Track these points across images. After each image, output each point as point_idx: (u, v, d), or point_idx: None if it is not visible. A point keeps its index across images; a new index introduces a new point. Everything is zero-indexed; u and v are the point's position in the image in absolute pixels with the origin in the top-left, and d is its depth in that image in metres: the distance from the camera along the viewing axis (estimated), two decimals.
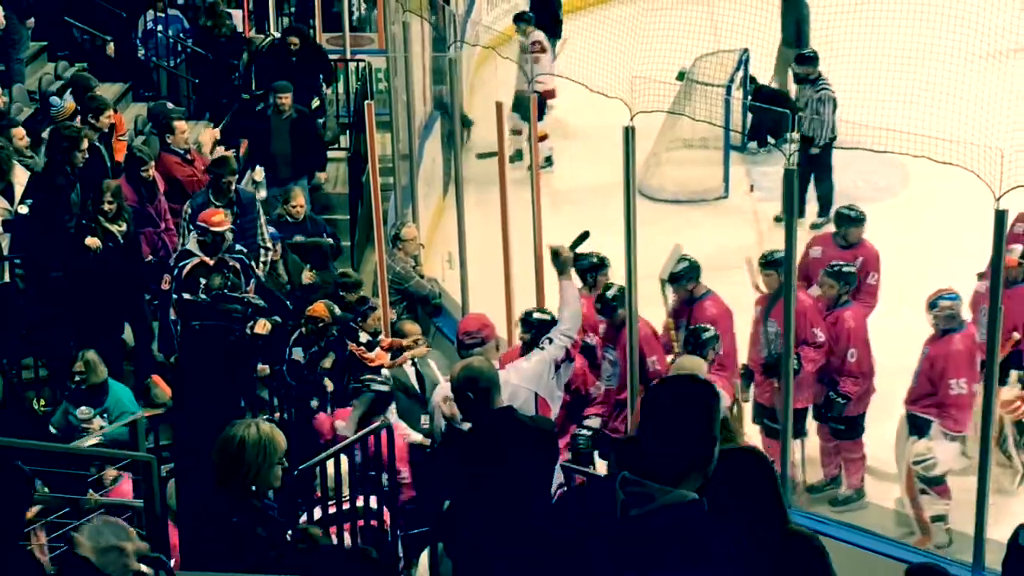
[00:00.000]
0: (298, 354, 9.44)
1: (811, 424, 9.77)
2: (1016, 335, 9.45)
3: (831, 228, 13.25)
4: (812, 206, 13.81)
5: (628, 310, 8.72)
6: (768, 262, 9.66)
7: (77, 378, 9.06)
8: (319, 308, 9.50)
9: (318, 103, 14.33)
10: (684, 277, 9.60)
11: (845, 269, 9.77)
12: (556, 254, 7.44)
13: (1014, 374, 9.43)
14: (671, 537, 3.40)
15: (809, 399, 9.59)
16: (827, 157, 13.85)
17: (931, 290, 9.54)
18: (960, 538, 8.30)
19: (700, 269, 9.66)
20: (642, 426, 3.55)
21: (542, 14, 16.88)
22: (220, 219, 9.91)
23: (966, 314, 9.42)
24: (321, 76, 14.71)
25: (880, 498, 9.67)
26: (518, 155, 14.36)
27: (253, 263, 10.24)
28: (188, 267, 9.78)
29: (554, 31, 16.92)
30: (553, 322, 8.48)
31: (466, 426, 6.13)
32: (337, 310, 9.61)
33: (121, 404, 9.03)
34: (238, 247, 10.15)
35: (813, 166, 13.76)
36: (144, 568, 3.82)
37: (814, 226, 13.56)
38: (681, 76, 15.94)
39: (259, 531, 5.20)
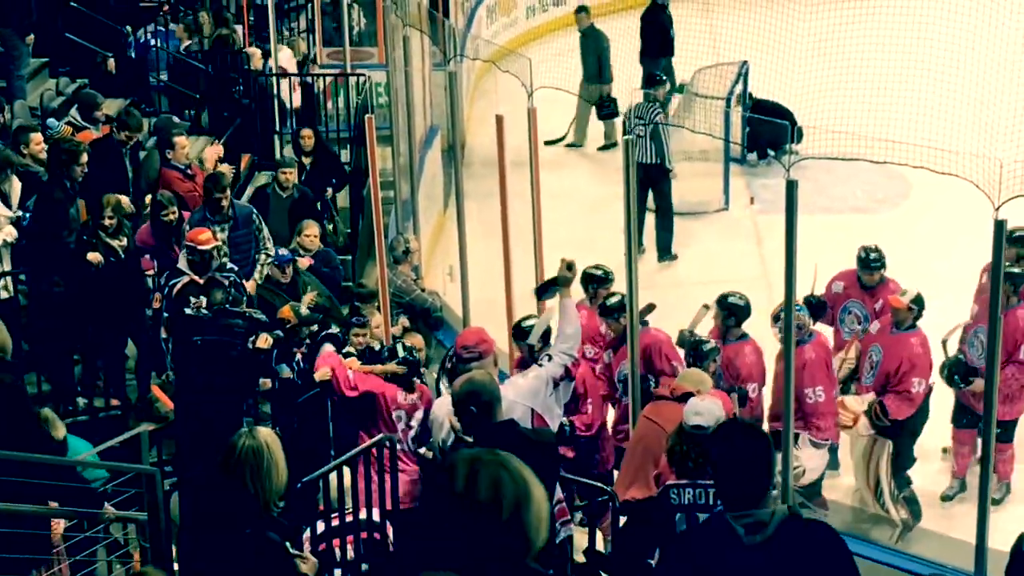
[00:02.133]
0: (285, 371, 9.46)
1: None
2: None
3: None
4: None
5: (629, 321, 8.74)
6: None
7: None
8: (285, 311, 9.56)
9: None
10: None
11: (731, 300, 9.48)
12: (568, 268, 7.45)
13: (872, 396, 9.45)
14: (799, 544, 4.28)
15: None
16: (669, 188, 13.81)
17: (933, 300, 9.61)
18: (961, 546, 8.28)
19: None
20: (720, 472, 4.46)
21: (652, 38, 16.82)
22: (207, 237, 9.91)
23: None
24: (333, 180, 13.70)
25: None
26: None
27: (244, 281, 10.25)
28: (178, 285, 9.79)
29: (666, 51, 16.91)
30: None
31: (468, 439, 6.14)
32: (303, 310, 9.63)
33: None
34: (229, 265, 10.15)
35: (658, 197, 13.71)
36: None
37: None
38: (681, 89, 16.03)
39: (273, 536, 5.21)
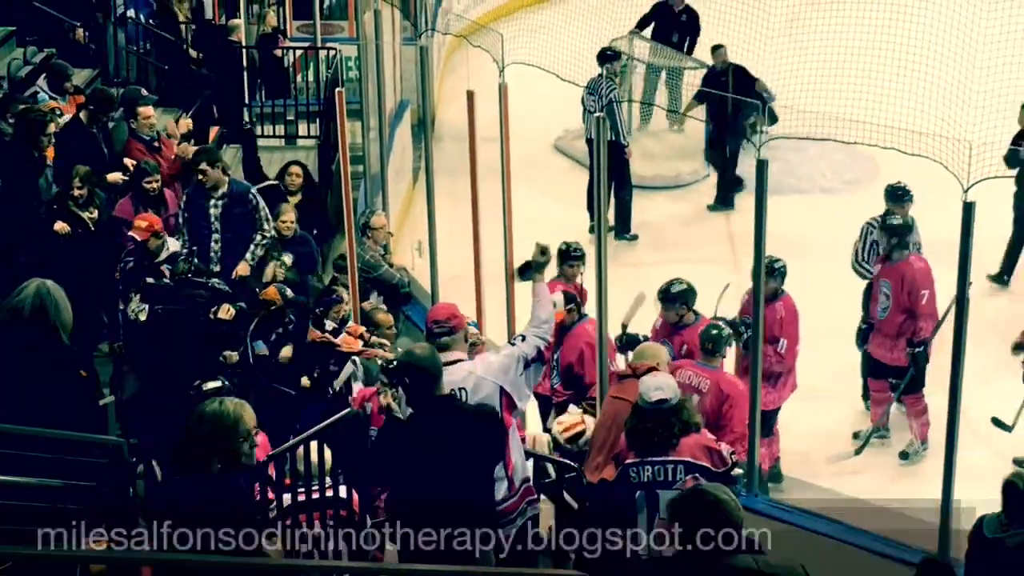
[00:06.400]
0: (262, 348, 9.39)
1: None
2: None
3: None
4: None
5: (599, 301, 8.72)
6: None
7: None
8: (270, 291, 9.49)
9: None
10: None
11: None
12: (542, 253, 7.37)
13: (572, 407, 9.06)
14: None
15: None
16: (627, 164, 13.56)
17: None
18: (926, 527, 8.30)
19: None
20: None
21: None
22: (140, 224, 9.88)
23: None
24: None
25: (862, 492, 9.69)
26: None
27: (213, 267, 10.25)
28: (131, 265, 9.78)
29: None
30: None
31: (408, 412, 6.15)
32: (289, 292, 9.56)
33: None
34: (184, 252, 10.13)
35: (614, 172, 12.91)
36: None
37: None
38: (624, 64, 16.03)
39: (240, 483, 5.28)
